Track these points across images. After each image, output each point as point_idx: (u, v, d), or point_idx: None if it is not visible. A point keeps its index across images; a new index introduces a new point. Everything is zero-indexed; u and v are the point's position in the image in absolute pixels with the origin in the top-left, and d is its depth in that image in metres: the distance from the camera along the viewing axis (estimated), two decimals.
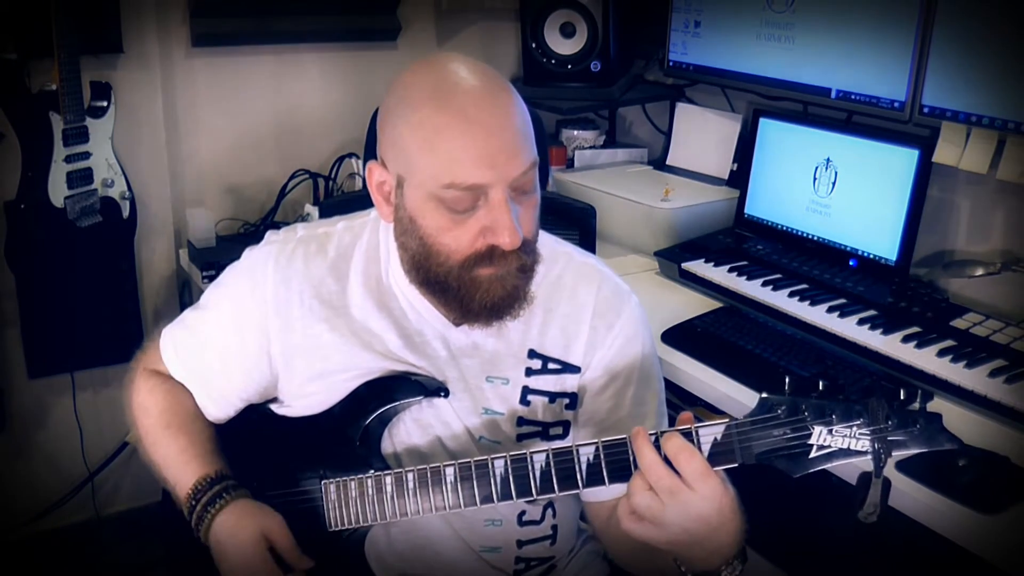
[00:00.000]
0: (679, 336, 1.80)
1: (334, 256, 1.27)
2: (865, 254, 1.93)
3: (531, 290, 1.19)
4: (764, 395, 1.05)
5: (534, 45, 2.59)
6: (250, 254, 1.31)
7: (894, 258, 1.87)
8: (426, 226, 1.13)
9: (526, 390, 1.26)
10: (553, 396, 1.28)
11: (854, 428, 1.01)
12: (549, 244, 1.29)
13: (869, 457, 1.01)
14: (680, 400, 1.84)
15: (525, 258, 1.15)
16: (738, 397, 1.61)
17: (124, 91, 2.41)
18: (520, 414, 1.26)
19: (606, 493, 1.27)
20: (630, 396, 1.28)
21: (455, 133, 1.08)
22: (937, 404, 1.04)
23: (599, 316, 1.28)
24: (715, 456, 1.04)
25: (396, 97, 1.14)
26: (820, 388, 1.03)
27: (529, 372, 1.26)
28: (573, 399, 1.29)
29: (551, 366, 1.27)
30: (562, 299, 1.28)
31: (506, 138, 1.09)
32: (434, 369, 1.25)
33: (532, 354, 1.26)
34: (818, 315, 1.79)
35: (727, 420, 1.05)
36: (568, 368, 1.28)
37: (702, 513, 1.00)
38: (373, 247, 1.27)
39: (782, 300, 1.87)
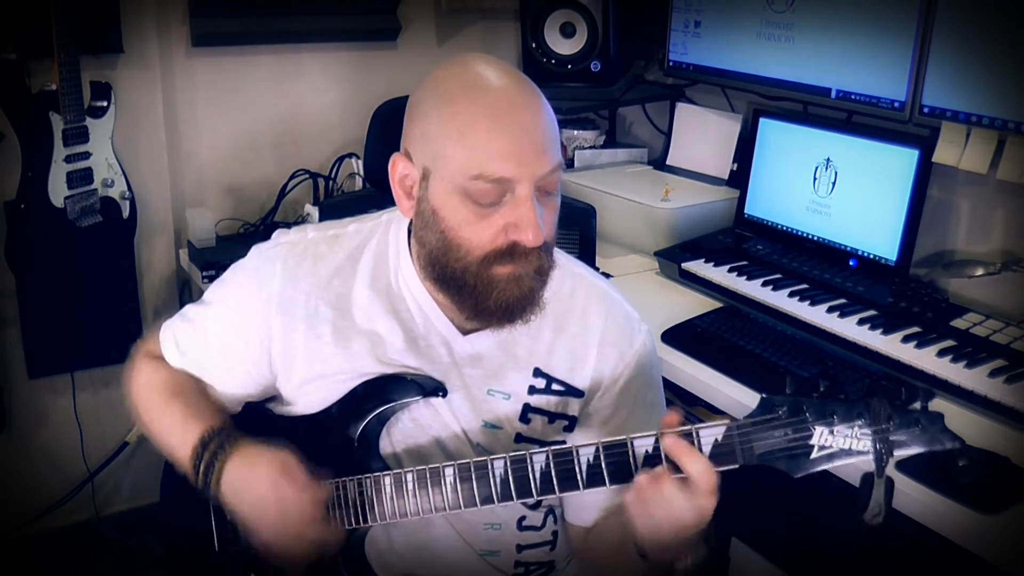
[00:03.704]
0: (679, 336, 1.80)
1: (343, 258, 1.27)
2: (865, 254, 1.93)
3: (544, 296, 1.18)
4: (765, 395, 1.05)
5: (534, 45, 2.59)
6: (258, 252, 1.30)
7: (894, 258, 1.87)
8: (449, 219, 1.12)
9: (527, 408, 1.26)
10: (553, 417, 1.27)
11: (855, 428, 1.01)
12: (563, 262, 1.27)
13: (871, 457, 1.01)
14: (680, 400, 1.85)
15: (544, 259, 1.15)
16: (738, 397, 1.61)
17: (124, 91, 2.41)
18: (519, 431, 1.26)
19: (591, 514, 1.29)
20: (631, 427, 1.26)
21: (487, 125, 1.08)
22: (937, 404, 1.04)
23: (609, 343, 1.27)
24: (716, 457, 1.03)
25: (428, 91, 1.15)
26: (821, 388, 1.03)
27: (532, 390, 1.26)
28: (572, 422, 1.28)
29: (555, 387, 1.26)
30: (572, 319, 1.27)
31: (535, 136, 1.10)
32: (436, 374, 1.24)
33: (537, 372, 1.25)
34: (818, 315, 1.80)
35: (728, 421, 1.05)
36: (572, 391, 1.27)
37: (689, 518, 1.03)
38: (383, 249, 1.27)
39: (782, 300, 1.87)
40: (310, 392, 1.26)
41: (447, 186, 1.11)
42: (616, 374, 1.27)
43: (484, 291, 1.13)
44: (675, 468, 1.03)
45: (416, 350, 1.24)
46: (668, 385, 1.63)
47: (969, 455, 1.33)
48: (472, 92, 1.10)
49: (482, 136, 1.08)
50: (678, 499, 1.01)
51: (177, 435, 1.25)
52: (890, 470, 1.02)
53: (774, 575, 1.85)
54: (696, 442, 1.04)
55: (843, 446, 1.01)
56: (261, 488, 1.15)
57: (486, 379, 1.25)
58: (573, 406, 1.27)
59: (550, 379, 1.26)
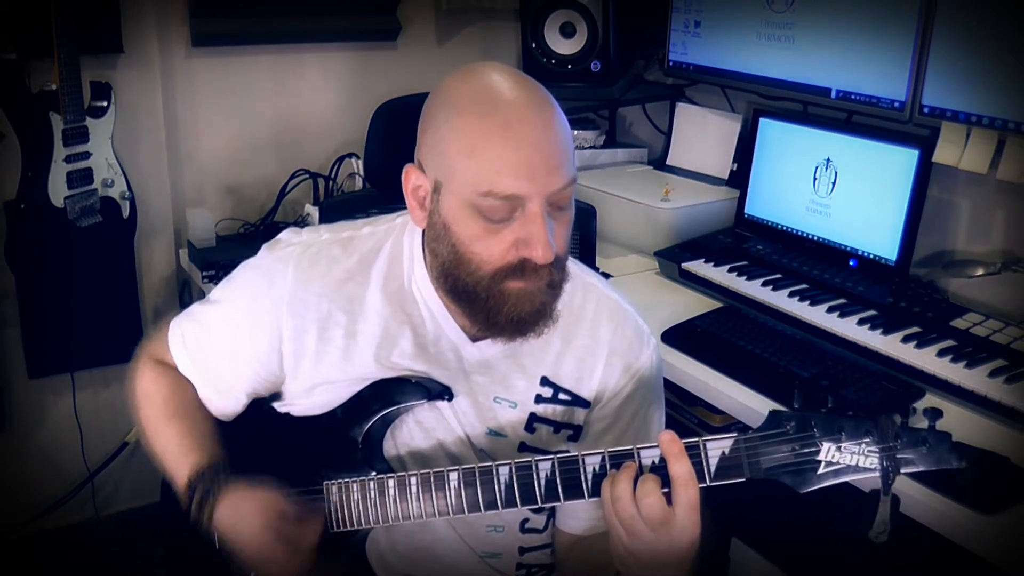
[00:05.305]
0: (679, 336, 1.80)
1: (357, 261, 1.25)
2: (865, 254, 1.93)
3: (557, 308, 1.18)
4: (773, 409, 1.04)
5: (534, 45, 2.59)
6: (270, 252, 1.29)
7: (894, 258, 1.87)
8: (459, 233, 1.11)
9: (533, 417, 1.25)
10: (559, 426, 1.27)
11: (863, 445, 1.01)
12: (575, 271, 1.26)
13: (877, 475, 1.01)
14: (680, 400, 1.85)
15: (556, 274, 1.14)
16: (738, 397, 1.61)
17: (124, 91, 2.41)
18: (524, 439, 1.26)
19: (580, 523, 1.29)
20: (628, 440, 1.26)
21: (497, 142, 1.06)
22: (937, 404, 1.04)
23: (617, 355, 1.27)
24: (723, 470, 1.03)
25: (439, 102, 1.13)
26: (829, 404, 1.03)
27: (539, 399, 1.25)
28: (577, 431, 1.28)
29: (562, 396, 1.26)
30: (581, 330, 1.26)
31: (547, 151, 1.08)
32: (443, 380, 1.24)
33: (544, 381, 1.25)
34: (818, 315, 1.80)
35: (735, 434, 1.04)
36: (578, 401, 1.27)
37: (673, 542, 1.02)
38: (397, 253, 1.26)
39: (782, 300, 1.87)
40: (316, 394, 1.26)
41: (458, 200, 1.10)
42: (620, 386, 1.27)
43: (496, 305, 1.13)
44: (665, 481, 1.02)
45: (425, 355, 1.24)
46: (668, 385, 1.63)
47: (969, 455, 1.32)
48: (483, 105, 1.08)
49: (492, 152, 1.07)
50: (655, 510, 1.00)
51: (172, 459, 1.26)
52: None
53: (774, 575, 1.85)
54: (703, 454, 1.03)
55: (850, 463, 1.01)
56: (254, 529, 1.16)
57: (493, 386, 1.24)
58: (579, 416, 1.27)
59: (557, 388, 1.26)
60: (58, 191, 2.26)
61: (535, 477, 1.09)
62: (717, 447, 1.04)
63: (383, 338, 1.24)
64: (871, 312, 1.78)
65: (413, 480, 1.15)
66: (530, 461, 1.10)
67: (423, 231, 1.21)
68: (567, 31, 2.57)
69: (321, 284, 1.24)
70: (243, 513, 1.17)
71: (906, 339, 1.68)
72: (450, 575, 1.30)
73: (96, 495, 2.67)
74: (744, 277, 1.98)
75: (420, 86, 1.19)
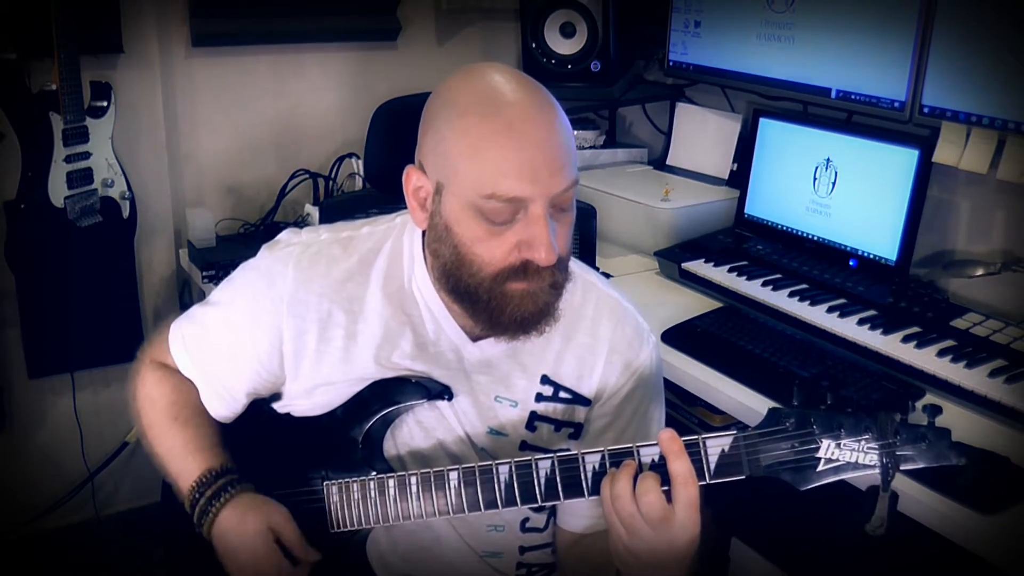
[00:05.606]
0: (679, 336, 1.80)
1: (356, 261, 1.25)
2: (865, 254, 1.93)
3: (559, 307, 1.18)
4: (773, 407, 1.04)
5: (534, 45, 2.60)
6: (269, 252, 1.28)
7: (894, 258, 1.87)
8: (461, 235, 1.11)
9: (534, 415, 1.25)
10: (559, 425, 1.27)
11: (862, 442, 1.01)
12: (574, 270, 1.25)
13: (877, 471, 1.01)
14: (680, 400, 1.85)
15: (558, 275, 1.14)
16: (738, 397, 1.61)
17: (124, 91, 2.41)
18: (524, 438, 1.26)
19: (580, 521, 1.29)
20: (628, 437, 1.26)
21: (501, 144, 1.06)
22: (937, 404, 1.04)
23: (617, 352, 1.27)
24: (722, 468, 1.03)
25: (441, 102, 1.13)
26: (828, 401, 1.03)
27: (540, 398, 1.26)
28: (578, 429, 1.28)
29: (562, 395, 1.26)
30: (582, 329, 1.26)
31: (551, 154, 1.07)
32: (444, 379, 1.24)
33: (545, 380, 1.25)
34: (818, 315, 1.80)
35: (734, 432, 1.04)
36: (579, 399, 1.27)
37: (673, 539, 1.01)
38: (397, 253, 1.25)
39: (782, 300, 1.87)
40: (317, 395, 1.26)
41: (460, 202, 1.10)
42: (620, 384, 1.27)
43: (498, 306, 1.13)
44: (665, 479, 1.02)
45: (425, 355, 1.24)
46: (668, 385, 1.63)
47: (969, 455, 1.33)
48: (486, 107, 1.08)
49: (496, 154, 1.06)
50: (655, 508, 1.00)
51: (176, 464, 1.25)
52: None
53: (774, 575, 1.85)
54: (703, 452, 1.03)
55: (849, 459, 1.01)
56: (253, 546, 1.16)
57: (494, 385, 1.24)
58: (580, 414, 1.27)
59: (557, 387, 1.26)
60: (58, 191, 2.27)
61: (535, 476, 1.09)
62: (717, 445, 1.04)
63: (383, 339, 1.23)
64: (871, 312, 1.78)
65: (413, 480, 1.15)
66: (530, 460, 1.10)
67: (423, 231, 1.21)
68: (567, 31, 2.58)
69: (321, 284, 1.24)
70: (247, 525, 1.17)
71: (906, 339, 1.68)
72: (451, 575, 1.30)
73: (96, 495, 2.67)
74: (744, 277, 1.98)
75: (420, 86, 1.19)
